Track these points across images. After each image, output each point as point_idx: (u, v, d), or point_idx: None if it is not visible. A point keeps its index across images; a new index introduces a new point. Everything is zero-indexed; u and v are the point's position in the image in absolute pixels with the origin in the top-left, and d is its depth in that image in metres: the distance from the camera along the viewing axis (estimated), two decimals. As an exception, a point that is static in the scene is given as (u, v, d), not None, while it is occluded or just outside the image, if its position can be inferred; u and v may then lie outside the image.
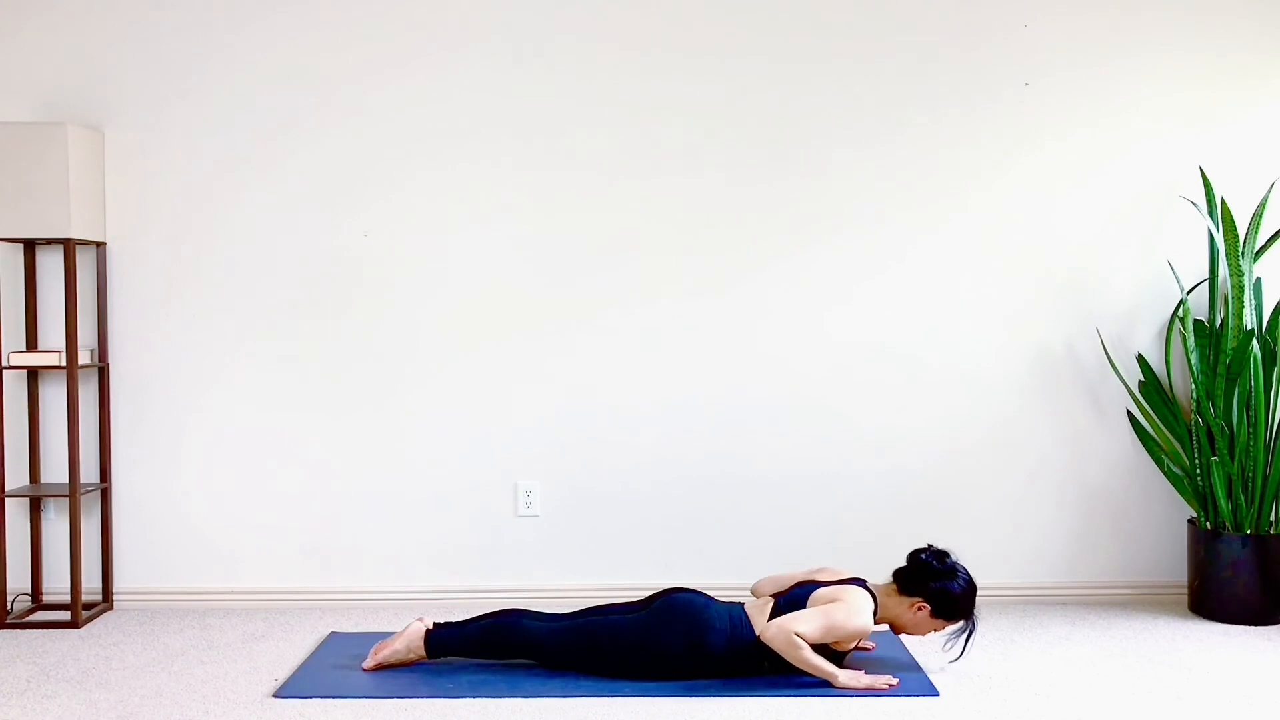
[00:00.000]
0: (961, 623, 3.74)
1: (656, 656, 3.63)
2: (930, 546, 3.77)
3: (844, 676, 3.59)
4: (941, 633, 3.78)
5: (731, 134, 4.55)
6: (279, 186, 4.55)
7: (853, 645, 3.68)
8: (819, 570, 3.88)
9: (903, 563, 3.78)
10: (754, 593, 3.94)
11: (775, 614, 3.66)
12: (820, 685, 3.58)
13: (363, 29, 4.53)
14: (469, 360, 4.59)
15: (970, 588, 3.72)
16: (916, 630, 3.75)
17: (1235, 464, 4.31)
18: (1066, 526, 4.64)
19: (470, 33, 4.53)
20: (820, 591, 3.68)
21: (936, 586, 3.69)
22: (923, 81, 4.55)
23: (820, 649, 3.60)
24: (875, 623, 3.70)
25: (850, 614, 3.59)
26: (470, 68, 4.54)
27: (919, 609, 3.71)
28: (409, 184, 4.56)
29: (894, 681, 3.61)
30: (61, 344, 4.49)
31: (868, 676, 3.61)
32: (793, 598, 3.69)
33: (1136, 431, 4.57)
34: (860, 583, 3.74)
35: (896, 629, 3.79)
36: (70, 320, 4.30)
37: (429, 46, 4.54)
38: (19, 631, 4.27)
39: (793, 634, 3.57)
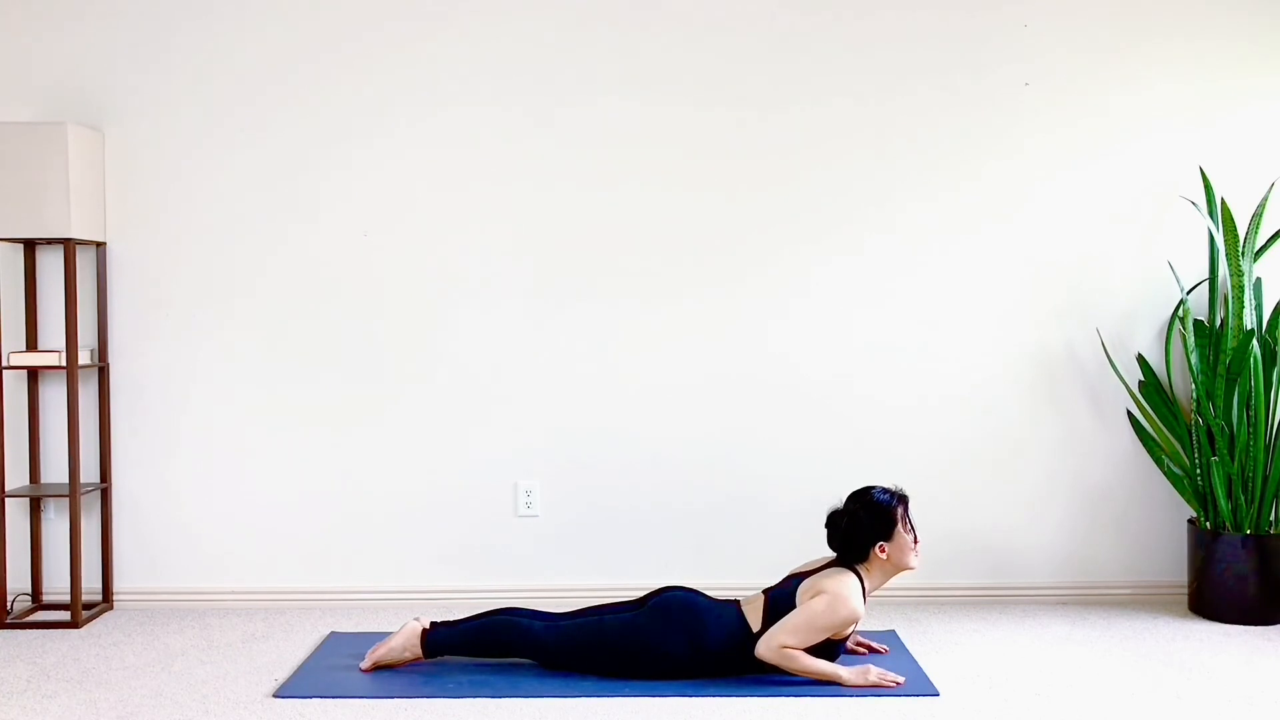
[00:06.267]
0: (901, 510, 3.72)
1: (653, 655, 3.63)
2: (828, 518, 3.75)
3: (848, 674, 3.58)
4: (913, 537, 3.73)
5: (733, 134, 4.55)
6: (280, 187, 4.55)
7: (848, 631, 3.66)
8: (811, 562, 3.86)
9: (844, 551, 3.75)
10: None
11: (767, 609, 3.66)
12: (820, 684, 3.58)
13: (363, 28, 4.53)
14: (469, 360, 4.59)
15: (867, 491, 3.74)
16: (905, 560, 3.70)
17: (1235, 464, 4.31)
18: (1066, 526, 4.64)
19: (477, 30, 4.54)
20: (805, 584, 3.67)
21: (869, 525, 3.67)
22: (922, 81, 4.55)
23: (820, 642, 3.60)
24: (870, 593, 3.69)
25: (833, 604, 3.57)
26: (475, 67, 4.54)
27: (882, 550, 3.69)
28: (409, 185, 4.56)
29: (900, 680, 3.61)
30: (61, 344, 4.49)
31: (875, 672, 3.61)
32: (783, 591, 3.69)
33: (1136, 431, 4.57)
34: (849, 565, 3.72)
35: (890, 576, 3.76)
36: (70, 320, 4.30)
37: (433, 44, 4.54)
38: (19, 631, 4.27)
39: (780, 649, 3.57)
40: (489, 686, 3.61)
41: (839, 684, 3.57)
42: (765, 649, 3.59)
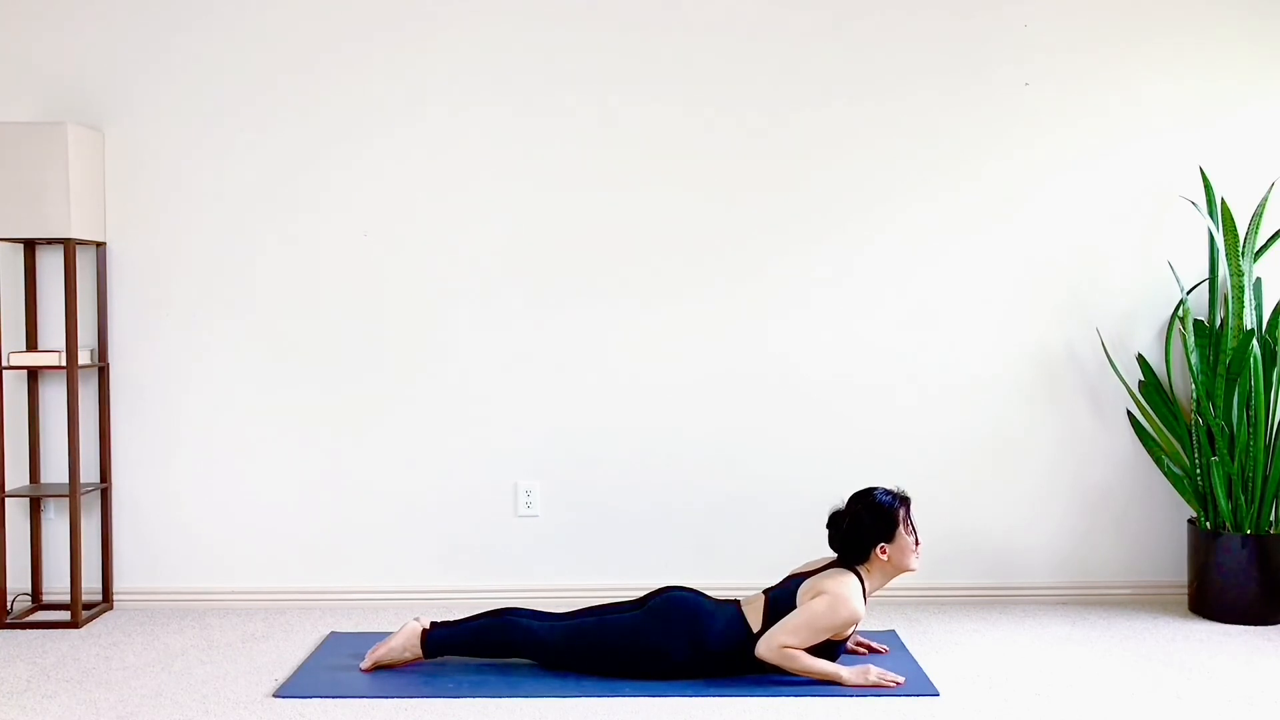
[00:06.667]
0: (903, 511, 3.72)
1: (654, 655, 3.63)
2: (830, 519, 3.77)
3: (848, 674, 3.59)
4: (915, 539, 3.73)
5: (734, 135, 4.55)
6: (279, 187, 4.56)
7: (848, 632, 3.66)
8: (812, 563, 3.87)
9: (842, 551, 3.76)
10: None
11: (768, 609, 3.66)
12: (820, 684, 3.58)
13: (364, 29, 4.53)
14: (469, 360, 4.59)
15: (869, 492, 3.75)
16: (906, 562, 3.71)
17: (1235, 464, 4.31)
18: (1067, 526, 4.64)
19: (478, 32, 4.53)
20: (806, 584, 3.68)
21: (871, 526, 3.68)
22: (922, 82, 4.55)
23: (820, 643, 3.61)
24: (870, 595, 3.69)
25: (834, 606, 3.58)
26: (476, 68, 4.54)
27: (883, 552, 3.70)
28: (409, 185, 4.56)
29: (900, 680, 3.61)
30: (61, 344, 4.49)
31: (875, 672, 3.61)
32: (783, 592, 3.70)
33: (1136, 431, 4.57)
34: (849, 566, 3.73)
35: (890, 578, 3.77)
36: (70, 320, 4.30)
37: (434, 44, 4.53)
38: (19, 631, 4.27)
39: (780, 649, 3.57)
40: (489, 686, 3.61)
41: (839, 684, 3.57)
42: (765, 649, 3.59)
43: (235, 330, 4.58)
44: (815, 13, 4.54)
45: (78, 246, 4.41)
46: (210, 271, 4.57)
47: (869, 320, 4.59)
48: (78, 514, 4.32)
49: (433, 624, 3.81)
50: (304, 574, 4.62)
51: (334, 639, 4.14)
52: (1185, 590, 4.58)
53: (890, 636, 4.13)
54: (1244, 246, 4.38)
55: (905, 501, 3.75)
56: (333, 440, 4.60)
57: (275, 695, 3.57)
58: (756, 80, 4.54)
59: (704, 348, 4.59)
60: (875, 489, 3.77)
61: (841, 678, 3.58)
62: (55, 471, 4.57)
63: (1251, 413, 4.33)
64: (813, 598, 3.61)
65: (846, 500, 3.79)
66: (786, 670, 3.60)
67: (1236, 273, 4.35)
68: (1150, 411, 4.57)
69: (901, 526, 3.71)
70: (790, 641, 3.57)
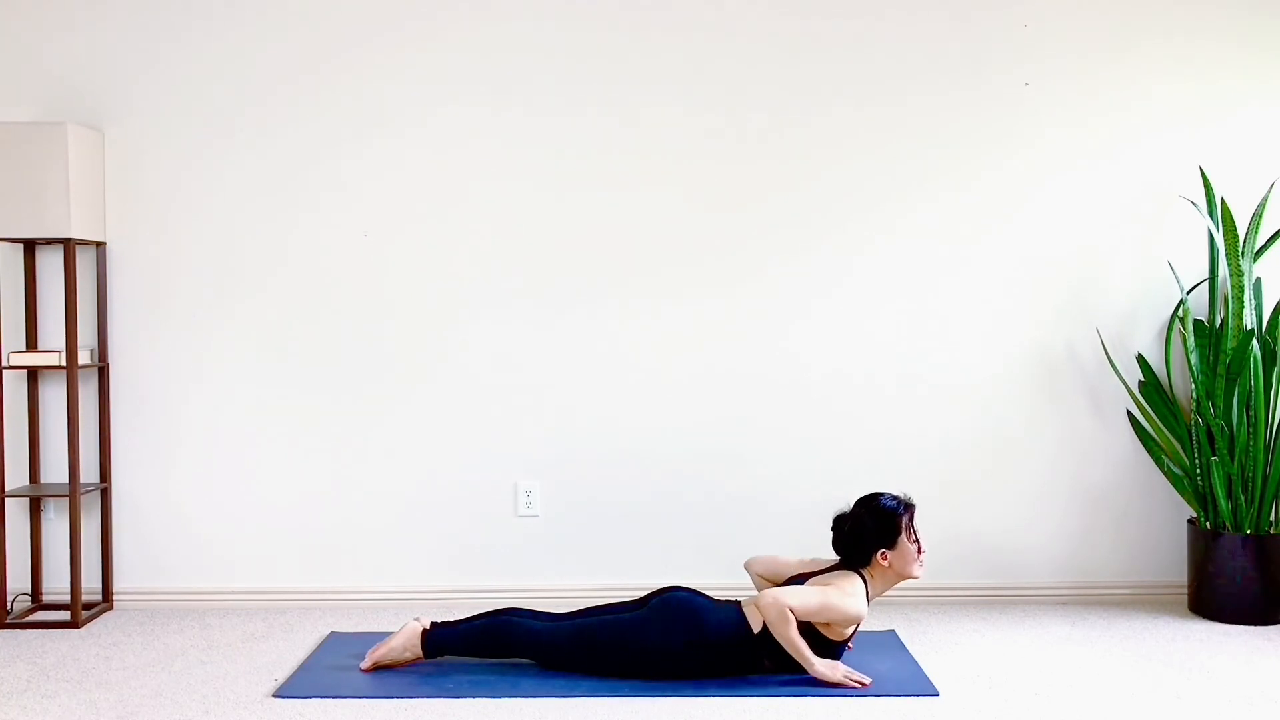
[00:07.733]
0: (906, 518, 3.73)
1: (655, 655, 3.63)
2: (834, 521, 3.79)
3: (820, 665, 3.59)
4: (918, 547, 3.75)
5: (736, 138, 4.55)
6: (280, 187, 4.55)
7: (848, 632, 3.67)
8: (814, 561, 3.88)
9: (847, 554, 3.78)
10: (748, 568, 3.98)
11: None
12: (820, 685, 3.59)
13: (364, 29, 4.53)
14: (469, 360, 4.59)
15: (875, 497, 3.76)
16: (908, 569, 3.73)
17: (1235, 464, 4.31)
18: (1067, 526, 4.64)
19: (481, 34, 4.54)
20: (813, 579, 3.71)
21: (873, 530, 3.70)
22: (923, 84, 4.55)
23: (812, 637, 3.61)
24: (871, 600, 3.70)
25: (843, 597, 3.60)
26: (479, 70, 4.54)
27: (884, 558, 3.71)
28: (410, 186, 4.56)
29: (867, 681, 3.61)
30: (61, 344, 4.49)
31: (843, 669, 3.61)
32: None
33: (1136, 431, 4.57)
34: (854, 569, 3.75)
35: (892, 584, 3.78)
36: (70, 320, 4.30)
37: (437, 45, 4.53)
38: (19, 631, 4.27)
39: (785, 607, 3.57)
40: (489, 686, 3.61)
41: (809, 670, 3.58)
42: (770, 601, 3.59)
43: (235, 330, 4.58)
44: (816, 14, 4.54)
45: (78, 246, 4.41)
46: (210, 271, 4.57)
47: (870, 320, 4.59)
48: (78, 514, 4.32)
49: (433, 624, 3.82)
50: (304, 574, 4.62)
51: (334, 639, 4.14)
52: (1185, 590, 4.58)
53: (890, 636, 4.13)
54: (1244, 246, 4.38)
55: (910, 508, 3.76)
56: (333, 440, 4.60)
57: (275, 695, 3.57)
58: (758, 82, 4.54)
59: (704, 348, 4.59)
60: (882, 494, 3.78)
61: (813, 665, 3.59)
62: (55, 471, 4.57)
63: (1251, 413, 4.33)
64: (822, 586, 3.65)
65: (852, 504, 3.80)
66: (773, 630, 3.59)
67: (1236, 273, 4.35)
68: (1150, 411, 4.57)
69: (904, 533, 3.71)
70: (794, 604, 3.57)
